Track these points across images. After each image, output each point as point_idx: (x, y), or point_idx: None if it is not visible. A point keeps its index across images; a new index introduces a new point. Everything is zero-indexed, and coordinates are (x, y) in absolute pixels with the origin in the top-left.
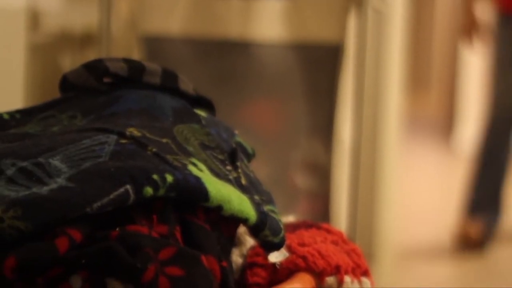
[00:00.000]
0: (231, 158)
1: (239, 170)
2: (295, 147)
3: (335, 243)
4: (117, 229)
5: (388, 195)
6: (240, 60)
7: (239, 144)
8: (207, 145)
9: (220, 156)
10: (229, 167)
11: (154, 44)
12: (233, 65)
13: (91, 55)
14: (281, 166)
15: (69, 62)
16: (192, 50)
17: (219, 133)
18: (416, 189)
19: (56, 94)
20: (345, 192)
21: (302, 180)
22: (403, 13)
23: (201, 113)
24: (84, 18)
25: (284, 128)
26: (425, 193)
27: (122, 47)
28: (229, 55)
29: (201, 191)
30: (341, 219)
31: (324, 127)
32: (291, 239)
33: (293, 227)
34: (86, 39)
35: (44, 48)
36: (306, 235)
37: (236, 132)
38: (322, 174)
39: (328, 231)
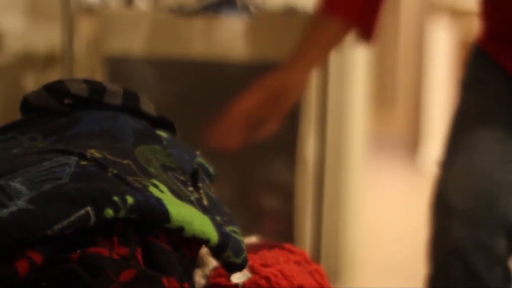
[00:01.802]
0: (192, 179)
1: (201, 191)
2: (258, 167)
3: (298, 263)
4: (78, 251)
5: (352, 214)
6: (202, 80)
7: (201, 165)
8: (169, 166)
9: (182, 177)
10: (190, 188)
11: (117, 64)
12: (196, 85)
13: (54, 76)
14: (244, 186)
15: (32, 83)
16: (154, 70)
17: (180, 154)
18: (382, 208)
19: (19, 115)
20: (309, 211)
21: (265, 200)
22: None
23: (163, 134)
24: (47, 39)
25: (247, 148)
26: (390, 211)
27: (85, 68)
28: (192, 75)
29: (162, 213)
30: (305, 239)
31: (287, 146)
32: (254, 259)
33: (255, 248)
34: (49, 60)
35: (7, 69)
36: (269, 255)
37: (198, 152)
38: (286, 194)
39: (291, 252)
